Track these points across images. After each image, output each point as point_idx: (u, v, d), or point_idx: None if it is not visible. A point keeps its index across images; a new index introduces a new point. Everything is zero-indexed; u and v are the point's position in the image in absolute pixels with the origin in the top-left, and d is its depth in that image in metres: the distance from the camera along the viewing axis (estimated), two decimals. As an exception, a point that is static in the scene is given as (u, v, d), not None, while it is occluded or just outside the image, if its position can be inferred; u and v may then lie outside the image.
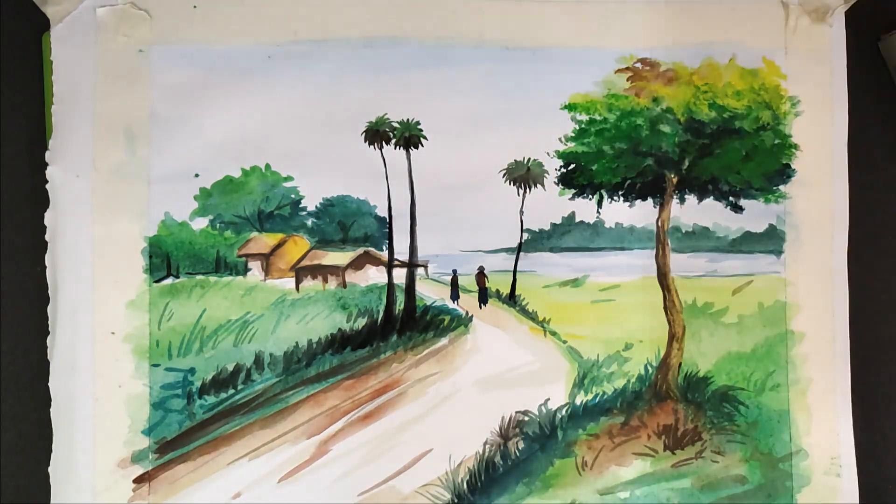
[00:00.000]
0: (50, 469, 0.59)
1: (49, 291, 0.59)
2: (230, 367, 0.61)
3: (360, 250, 0.64)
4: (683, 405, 0.64)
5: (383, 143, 0.63)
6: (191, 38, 0.61)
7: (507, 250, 0.64)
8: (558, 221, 0.64)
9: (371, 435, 0.62)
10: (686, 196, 0.64)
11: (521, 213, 0.63)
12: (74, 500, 0.59)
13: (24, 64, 0.62)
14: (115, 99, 0.60)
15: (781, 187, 0.64)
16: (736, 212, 0.64)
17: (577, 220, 0.64)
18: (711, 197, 0.64)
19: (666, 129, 0.64)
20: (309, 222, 0.63)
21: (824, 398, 0.63)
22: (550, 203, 0.64)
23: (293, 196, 0.63)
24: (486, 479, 0.62)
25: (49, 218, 0.60)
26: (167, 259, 0.61)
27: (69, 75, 0.60)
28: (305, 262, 0.64)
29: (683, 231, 0.64)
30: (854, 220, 0.64)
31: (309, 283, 0.64)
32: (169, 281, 0.61)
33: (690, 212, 0.64)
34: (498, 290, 0.65)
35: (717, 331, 0.64)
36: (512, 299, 0.65)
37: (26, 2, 0.60)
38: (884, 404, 0.65)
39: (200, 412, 0.61)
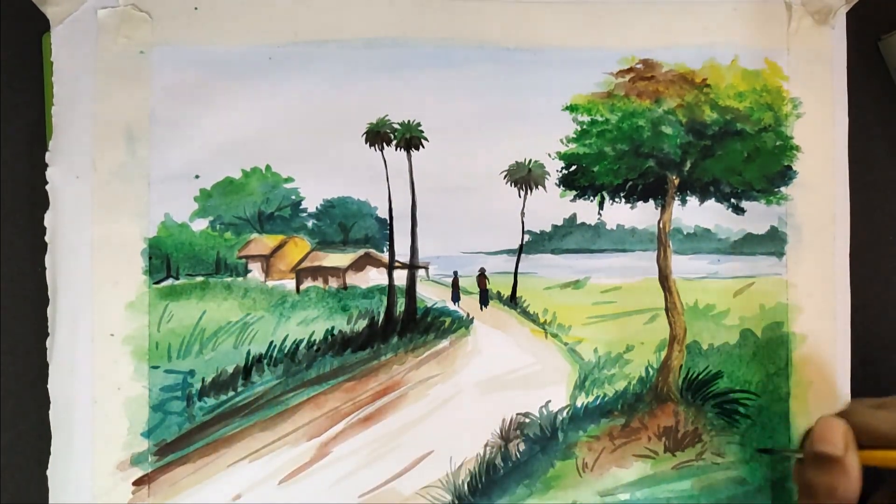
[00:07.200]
0: (48, 471, 0.59)
1: (49, 293, 0.59)
2: (230, 369, 0.61)
3: (361, 252, 0.64)
4: (684, 407, 0.64)
5: (384, 144, 0.62)
6: (192, 40, 0.61)
7: (509, 252, 0.64)
8: (559, 223, 0.64)
9: (372, 437, 0.62)
10: (687, 198, 0.64)
11: (523, 214, 0.63)
12: (73, 503, 0.59)
13: (24, 64, 0.62)
14: (115, 100, 0.60)
15: (783, 189, 0.64)
16: (737, 213, 0.64)
17: (579, 221, 0.64)
18: (713, 198, 0.64)
19: (668, 130, 0.64)
20: (309, 224, 0.63)
21: (825, 400, 0.63)
22: (552, 204, 0.64)
23: (294, 197, 0.62)
24: (486, 481, 0.62)
25: (49, 219, 0.59)
26: (167, 260, 0.61)
27: (69, 76, 0.60)
28: (306, 264, 0.64)
29: (685, 233, 0.64)
30: (855, 221, 0.64)
31: (309, 285, 0.63)
32: (169, 282, 0.61)
33: (692, 213, 0.64)
34: (499, 292, 0.65)
35: (719, 333, 0.64)
36: (513, 301, 0.64)
37: (26, 2, 0.60)
38: (885, 406, 0.65)
39: (200, 414, 0.61)
